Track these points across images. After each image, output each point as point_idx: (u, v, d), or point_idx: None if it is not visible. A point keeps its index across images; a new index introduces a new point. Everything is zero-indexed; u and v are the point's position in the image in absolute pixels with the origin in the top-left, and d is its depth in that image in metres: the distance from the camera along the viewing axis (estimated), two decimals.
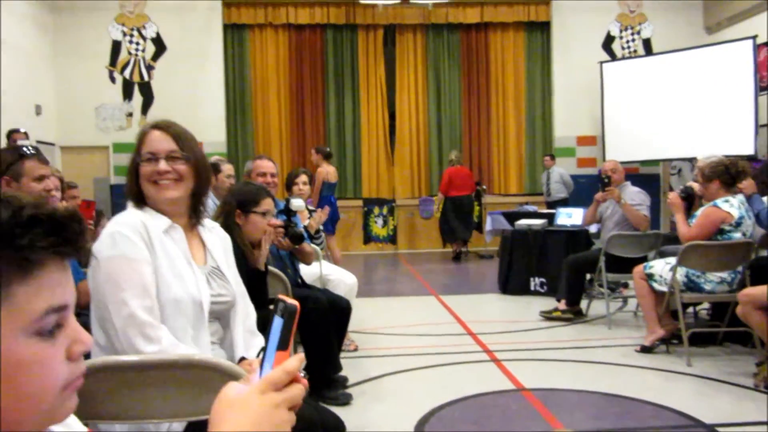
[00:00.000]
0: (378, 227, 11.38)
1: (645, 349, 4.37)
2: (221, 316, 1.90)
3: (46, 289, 0.65)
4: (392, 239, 11.47)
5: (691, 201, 4.48)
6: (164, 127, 1.82)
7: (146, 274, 1.66)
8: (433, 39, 12.13)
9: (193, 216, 1.87)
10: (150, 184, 1.77)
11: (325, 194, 7.22)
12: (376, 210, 11.37)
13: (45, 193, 2.41)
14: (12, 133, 6.44)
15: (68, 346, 0.68)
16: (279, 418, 0.71)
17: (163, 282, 1.70)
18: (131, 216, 1.74)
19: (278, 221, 2.79)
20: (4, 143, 6.52)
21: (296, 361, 0.74)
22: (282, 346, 0.74)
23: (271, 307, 0.80)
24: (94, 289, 1.66)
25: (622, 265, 5.12)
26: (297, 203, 3.37)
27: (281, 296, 0.77)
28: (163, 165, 1.76)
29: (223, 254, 1.94)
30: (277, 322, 0.75)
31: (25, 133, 6.54)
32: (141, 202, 1.81)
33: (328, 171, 7.38)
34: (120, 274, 1.63)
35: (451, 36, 12.15)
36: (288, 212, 3.26)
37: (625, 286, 6.27)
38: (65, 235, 0.66)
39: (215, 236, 1.96)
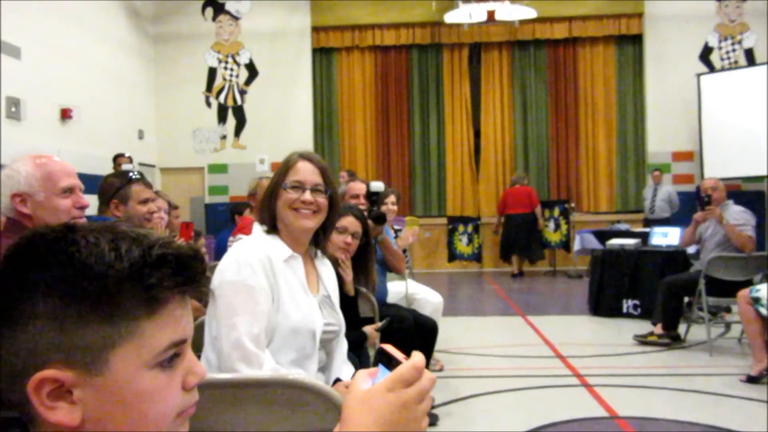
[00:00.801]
0: (463, 245, 11.30)
1: (751, 379, 4.10)
2: (327, 344, 1.96)
3: (169, 324, 0.69)
4: (477, 257, 11.35)
5: None
6: (313, 159, 1.92)
7: (261, 303, 1.72)
8: (519, 55, 12.00)
9: (313, 246, 1.96)
10: (290, 210, 1.85)
11: None
12: (461, 228, 11.30)
13: (149, 215, 2.57)
14: (118, 157, 6.88)
15: (184, 376, 0.72)
16: (411, 414, 0.70)
17: (283, 310, 1.77)
18: (257, 246, 1.82)
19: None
20: (111, 167, 6.97)
21: (421, 356, 0.73)
22: None
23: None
24: (213, 309, 1.75)
25: (724, 289, 4.83)
26: (376, 185, 3.39)
27: (388, 348, 0.75)
28: (308, 195, 1.85)
29: (332, 284, 2.01)
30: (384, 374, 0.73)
31: (130, 157, 6.97)
32: (272, 226, 1.89)
33: None
34: (236, 299, 1.71)
35: (538, 52, 11.98)
36: (369, 195, 3.34)
37: (728, 310, 5.91)
38: (189, 275, 0.70)
39: (326, 266, 2.03)
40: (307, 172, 1.88)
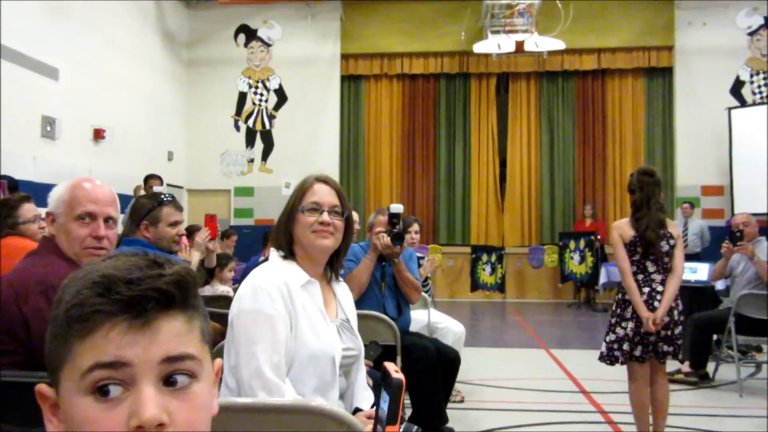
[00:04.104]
0: (486, 275, 11.21)
1: None
2: (346, 369, 1.94)
3: (99, 346, 0.67)
4: (500, 287, 11.25)
5: None
6: (329, 181, 1.92)
7: (279, 330, 1.70)
8: (547, 86, 12.01)
9: (328, 270, 1.95)
10: (309, 232, 1.84)
11: None
12: (485, 257, 11.23)
13: (177, 237, 2.60)
14: (149, 179, 7.01)
15: (129, 415, 0.67)
16: None
17: (301, 337, 1.75)
18: (274, 272, 1.80)
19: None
20: (141, 187, 7.09)
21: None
22: (391, 420, 0.75)
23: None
24: (231, 337, 1.73)
25: (755, 327, 4.72)
26: (395, 207, 3.42)
27: (387, 365, 0.77)
28: (326, 216, 1.84)
29: (350, 307, 1.99)
30: (385, 396, 0.76)
31: (160, 178, 7.09)
32: (289, 251, 1.88)
33: None
34: (255, 328, 1.69)
35: (566, 83, 11.98)
36: (390, 217, 3.39)
37: (758, 350, 5.76)
38: (108, 296, 0.68)
39: (343, 289, 2.01)
40: (323, 193, 1.87)
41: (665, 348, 3.41)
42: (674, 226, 3.48)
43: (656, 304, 3.36)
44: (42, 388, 0.71)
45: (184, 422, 0.68)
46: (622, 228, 3.47)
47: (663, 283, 3.39)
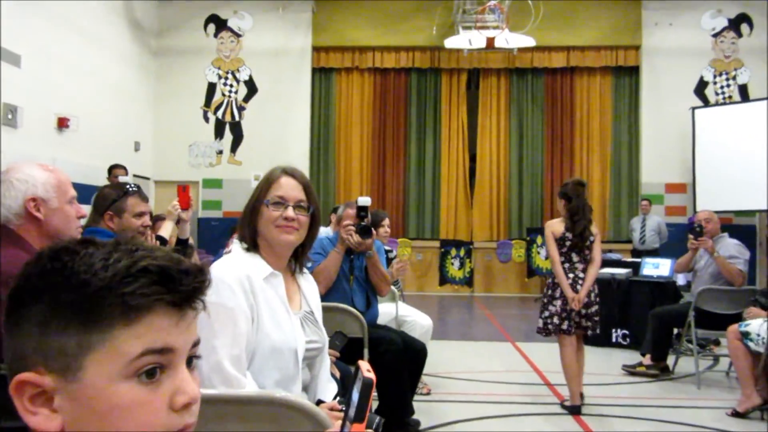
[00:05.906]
0: (454, 269, 11.30)
1: (738, 414, 4.09)
2: (310, 361, 1.93)
3: (148, 333, 0.68)
4: (468, 282, 11.35)
5: None
6: (296, 174, 1.88)
7: (240, 324, 1.69)
8: (517, 83, 12.13)
9: (292, 262, 1.93)
10: (273, 226, 1.81)
11: None
12: (453, 252, 11.32)
13: (143, 228, 2.56)
14: (114, 168, 6.87)
15: (172, 395, 0.70)
16: None
17: (263, 330, 1.74)
18: (236, 265, 1.78)
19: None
20: (105, 177, 6.96)
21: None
22: (358, 417, 0.75)
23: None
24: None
25: (714, 321, 4.85)
26: (363, 200, 3.42)
27: (360, 363, 0.78)
28: (290, 212, 1.81)
29: (315, 299, 1.98)
30: (355, 393, 0.77)
31: (125, 168, 6.96)
32: (252, 243, 1.85)
33: None
34: (216, 322, 1.66)
35: (536, 80, 12.11)
36: (358, 210, 3.39)
37: (716, 343, 5.92)
38: (172, 286, 0.69)
39: (308, 281, 1.99)
40: (289, 187, 1.84)
41: (585, 323, 4.22)
42: (595, 226, 4.26)
43: (578, 287, 4.16)
44: (28, 377, 0.66)
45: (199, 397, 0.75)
46: (553, 226, 4.26)
47: (584, 270, 4.20)
